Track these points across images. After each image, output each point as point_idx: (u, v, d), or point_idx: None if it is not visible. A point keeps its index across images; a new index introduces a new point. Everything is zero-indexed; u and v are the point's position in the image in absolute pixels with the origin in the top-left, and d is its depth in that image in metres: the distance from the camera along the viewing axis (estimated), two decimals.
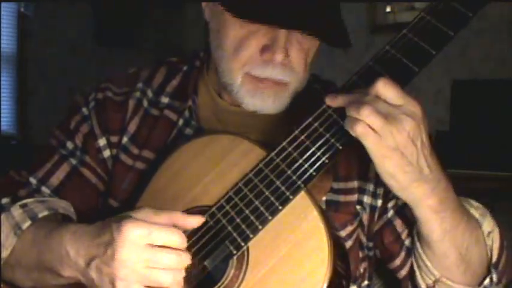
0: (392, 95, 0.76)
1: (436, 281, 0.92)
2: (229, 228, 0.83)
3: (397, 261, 0.99)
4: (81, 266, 0.80)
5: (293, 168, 0.83)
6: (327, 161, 0.83)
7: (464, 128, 3.21)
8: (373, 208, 1.00)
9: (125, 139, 1.02)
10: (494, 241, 0.93)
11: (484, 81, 3.33)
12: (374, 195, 1.00)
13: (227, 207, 0.84)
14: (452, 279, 0.90)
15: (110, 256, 0.75)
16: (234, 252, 0.83)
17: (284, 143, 0.84)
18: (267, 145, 0.87)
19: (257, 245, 0.83)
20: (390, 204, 0.99)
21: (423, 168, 0.78)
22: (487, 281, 0.92)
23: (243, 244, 0.83)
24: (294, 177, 0.83)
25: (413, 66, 0.82)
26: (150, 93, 1.04)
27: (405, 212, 0.97)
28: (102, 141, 1.02)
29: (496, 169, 2.83)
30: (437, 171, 0.81)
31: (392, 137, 0.75)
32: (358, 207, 1.00)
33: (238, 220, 0.83)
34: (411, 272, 0.97)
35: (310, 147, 0.83)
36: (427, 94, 3.56)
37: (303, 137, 0.84)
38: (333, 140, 0.83)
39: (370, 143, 0.75)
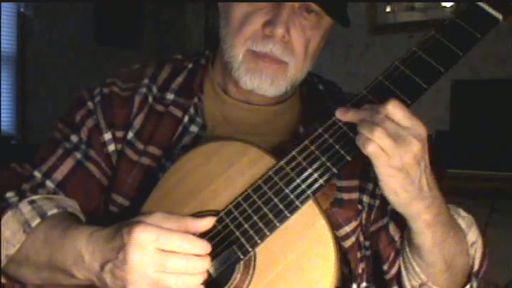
0: (402, 116, 0.79)
1: (422, 284, 0.95)
2: (237, 233, 0.84)
3: (388, 263, 1.01)
4: (96, 269, 0.81)
5: (302, 177, 0.85)
6: (336, 171, 0.85)
7: (464, 128, 3.21)
8: (371, 207, 1.02)
9: (130, 134, 1.02)
10: (477, 251, 0.97)
11: (484, 81, 3.33)
12: (372, 195, 1.02)
13: (235, 213, 0.85)
14: (436, 284, 0.94)
15: (121, 260, 0.76)
16: (242, 257, 0.84)
17: (294, 152, 0.86)
18: (276, 154, 0.88)
19: (264, 251, 0.84)
20: (389, 207, 1.00)
21: (423, 187, 0.82)
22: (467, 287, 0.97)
23: (250, 249, 0.84)
24: (303, 186, 0.84)
25: (422, 83, 0.85)
26: (155, 90, 1.05)
27: (397, 215, 0.98)
28: (107, 136, 1.02)
29: (496, 169, 2.83)
30: (434, 189, 0.85)
31: (400, 158, 0.78)
32: (359, 206, 1.01)
33: (246, 226, 0.84)
34: (398, 272, 0.99)
35: (320, 158, 0.85)
36: (427, 94, 3.56)
37: (312, 147, 0.86)
38: (342, 152, 0.85)
39: (379, 162, 0.79)
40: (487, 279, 1.00)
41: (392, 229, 1.01)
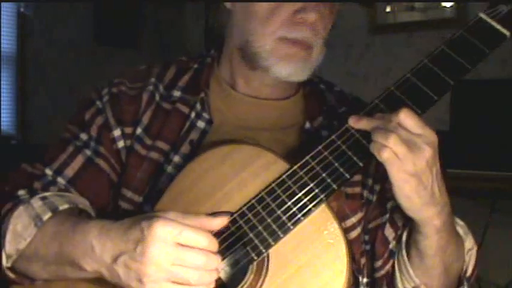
0: (414, 124, 0.82)
1: (414, 287, 0.97)
2: (251, 234, 0.86)
3: (380, 262, 1.03)
4: (106, 261, 0.82)
5: (316, 182, 0.87)
6: (348, 176, 0.87)
7: (464, 128, 3.21)
8: (369, 202, 1.05)
9: (139, 130, 1.04)
10: (471, 258, 1.01)
11: (484, 81, 3.33)
12: (371, 191, 1.05)
13: (249, 215, 0.87)
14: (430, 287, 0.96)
15: (139, 253, 0.78)
16: (255, 258, 0.85)
17: (307, 157, 0.88)
18: (290, 159, 0.90)
19: (277, 253, 0.85)
20: (389, 206, 1.03)
21: (435, 193, 0.85)
22: None
23: (264, 251, 0.85)
24: (317, 191, 0.86)
25: (433, 95, 0.88)
26: (161, 88, 1.07)
27: (393, 216, 1.03)
28: (116, 132, 1.04)
29: (496, 169, 2.83)
30: (445, 195, 0.88)
31: (413, 164, 0.81)
32: (361, 200, 1.04)
33: (260, 227, 0.86)
34: (392, 273, 1.01)
35: (333, 163, 0.87)
36: None
37: (326, 153, 0.88)
38: (355, 158, 0.87)
39: (393, 168, 0.82)
40: (487, 279, 1.02)
41: (387, 229, 1.03)
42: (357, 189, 1.04)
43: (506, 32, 0.91)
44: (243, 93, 1.05)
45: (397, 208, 1.00)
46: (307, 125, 1.04)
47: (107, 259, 0.82)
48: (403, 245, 0.98)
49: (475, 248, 1.02)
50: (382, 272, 1.02)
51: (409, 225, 0.97)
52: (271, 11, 0.97)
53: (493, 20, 0.91)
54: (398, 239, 1.01)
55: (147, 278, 0.78)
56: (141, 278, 0.78)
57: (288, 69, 0.98)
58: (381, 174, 1.02)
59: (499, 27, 0.91)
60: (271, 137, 1.01)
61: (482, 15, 0.92)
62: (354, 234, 1.01)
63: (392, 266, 1.01)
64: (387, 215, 1.03)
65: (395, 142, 0.80)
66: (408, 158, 0.81)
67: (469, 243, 1.01)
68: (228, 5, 1.04)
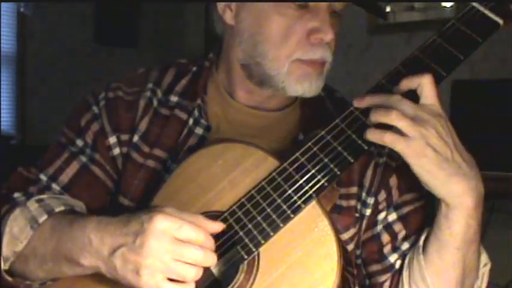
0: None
1: None
2: (241, 233, 0.85)
3: (374, 267, 1.00)
4: (104, 255, 0.82)
5: (305, 178, 0.86)
6: (338, 172, 0.86)
7: (464, 128, 3.21)
8: (362, 216, 1.01)
9: (135, 138, 1.03)
10: (485, 274, 0.96)
11: (484, 81, 3.32)
12: (364, 204, 1.01)
13: (239, 213, 0.86)
14: None
15: (138, 244, 0.78)
16: (245, 257, 0.85)
17: (297, 154, 0.87)
18: (280, 155, 0.89)
19: (268, 251, 0.85)
20: (380, 217, 1.01)
21: (461, 164, 0.82)
22: None
23: (254, 249, 0.84)
24: (306, 187, 0.85)
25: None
26: (159, 94, 1.06)
27: (393, 228, 1.00)
28: (112, 139, 1.03)
29: (496, 169, 2.83)
30: (475, 170, 0.84)
31: (422, 137, 0.78)
32: (356, 214, 1.01)
33: (250, 226, 0.85)
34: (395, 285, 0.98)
35: (323, 159, 0.86)
36: None
37: (315, 149, 0.87)
38: (345, 154, 0.86)
39: (401, 147, 0.79)
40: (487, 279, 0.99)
41: (385, 240, 0.99)
42: (352, 202, 1.01)
43: (499, 20, 0.89)
44: (242, 103, 1.03)
45: (396, 220, 0.99)
46: (301, 136, 1.02)
47: (104, 252, 0.82)
48: (420, 250, 0.93)
49: (489, 266, 0.96)
50: (378, 280, 1.00)
51: (430, 224, 0.92)
52: (285, 34, 0.93)
53: (485, 8, 0.89)
54: (413, 244, 0.97)
55: (144, 269, 0.77)
56: (138, 270, 0.78)
57: (304, 87, 0.96)
58: (374, 187, 1.00)
59: (491, 15, 0.89)
60: (266, 146, 0.99)
61: (475, 4, 0.90)
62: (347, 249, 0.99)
63: (393, 280, 0.98)
64: (378, 228, 1.00)
65: (395, 118, 0.79)
66: (415, 132, 0.78)
67: (484, 257, 0.96)
68: (229, 20, 1.00)
